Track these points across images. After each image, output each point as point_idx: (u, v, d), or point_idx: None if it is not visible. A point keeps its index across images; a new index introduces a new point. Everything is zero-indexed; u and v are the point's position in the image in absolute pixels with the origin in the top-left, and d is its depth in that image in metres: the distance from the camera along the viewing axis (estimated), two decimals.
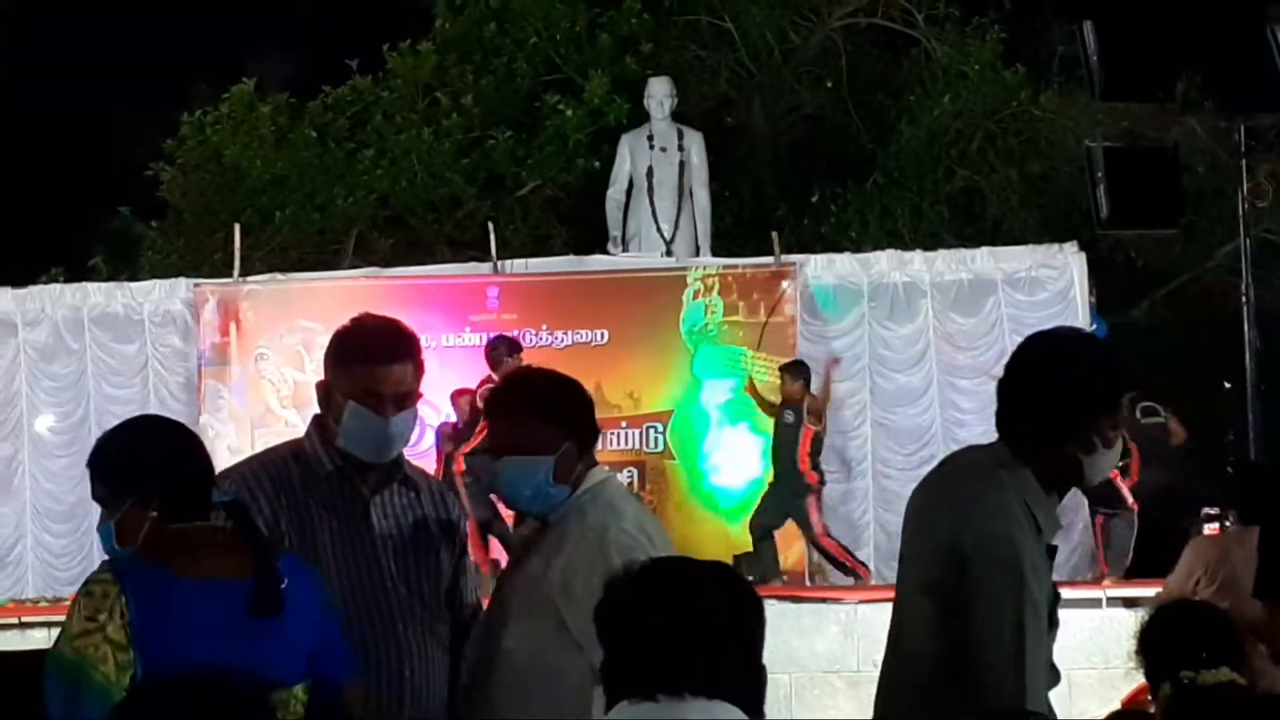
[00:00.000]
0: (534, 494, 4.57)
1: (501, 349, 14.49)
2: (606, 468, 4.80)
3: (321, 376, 4.68)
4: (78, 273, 21.37)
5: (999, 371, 4.27)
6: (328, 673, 4.00)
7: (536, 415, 4.61)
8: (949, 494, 4.20)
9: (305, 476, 4.58)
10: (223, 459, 4.91)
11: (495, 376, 13.93)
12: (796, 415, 14.96)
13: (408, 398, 4.57)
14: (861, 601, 12.70)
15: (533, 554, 4.58)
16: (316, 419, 4.67)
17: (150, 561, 3.95)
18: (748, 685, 3.04)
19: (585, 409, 4.81)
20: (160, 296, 16.62)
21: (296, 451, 4.65)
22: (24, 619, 13.76)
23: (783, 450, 15.01)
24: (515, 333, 15.86)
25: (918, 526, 4.24)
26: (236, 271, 16.64)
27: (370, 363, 4.54)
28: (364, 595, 4.52)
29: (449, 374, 14.92)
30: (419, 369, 4.64)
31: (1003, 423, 4.19)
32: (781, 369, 15.21)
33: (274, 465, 4.63)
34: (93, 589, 3.92)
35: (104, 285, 17.52)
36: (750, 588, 3.17)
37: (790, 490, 14.91)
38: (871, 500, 15.92)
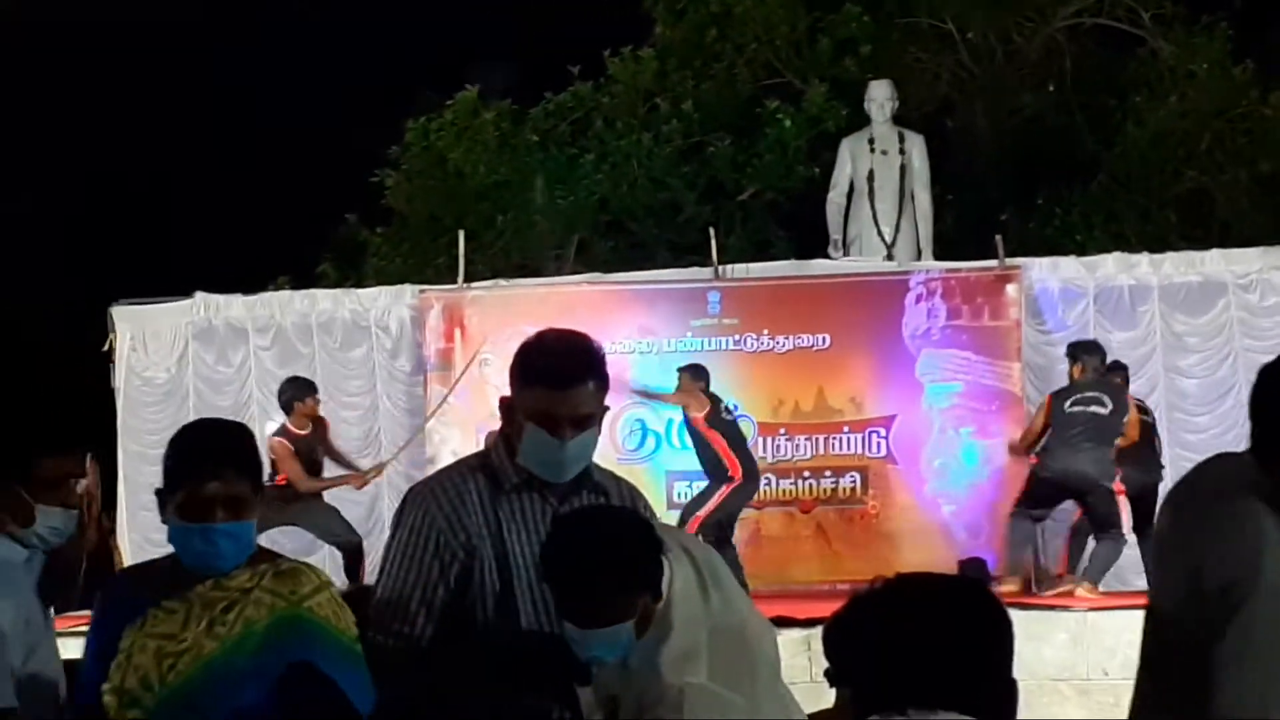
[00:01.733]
0: (618, 656, 4.30)
1: (289, 391, 14.31)
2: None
3: None
4: (305, 280, 21.75)
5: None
6: None
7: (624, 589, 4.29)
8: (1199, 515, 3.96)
9: (493, 488, 4.55)
10: (448, 463, 4.91)
11: (289, 424, 13.89)
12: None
13: (587, 420, 4.49)
14: (1091, 609, 12.52)
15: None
16: (502, 432, 4.64)
17: None
18: (998, 700, 3.01)
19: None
20: (386, 303, 16.82)
21: (484, 463, 4.62)
22: None
23: None
24: (736, 337, 15.86)
25: (1168, 549, 4.07)
26: (461, 278, 16.79)
27: (549, 386, 4.47)
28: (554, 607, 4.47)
29: (670, 377, 14.96)
30: (601, 387, 4.53)
31: (1258, 443, 3.98)
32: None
33: (459, 478, 4.59)
34: None
35: (331, 292, 17.77)
36: (998, 601, 3.14)
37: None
38: None
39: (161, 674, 3.94)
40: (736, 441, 14.59)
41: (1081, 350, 14.27)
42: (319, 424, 14.30)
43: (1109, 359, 14.60)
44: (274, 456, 13.73)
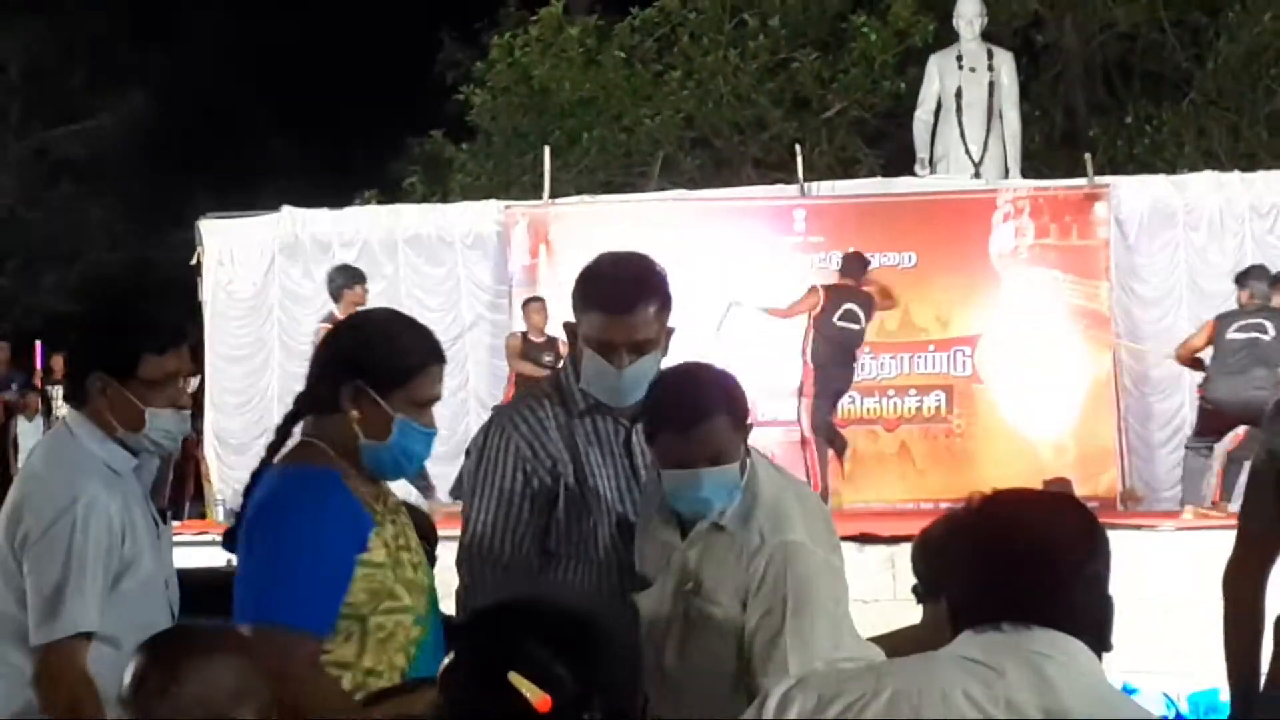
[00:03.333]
0: (727, 501, 4.26)
1: (339, 279, 14.17)
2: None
3: None
4: (391, 195, 21.81)
5: None
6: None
7: (732, 416, 4.24)
8: None
9: (565, 413, 4.54)
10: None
11: (337, 312, 13.58)
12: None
13: (646, 345, 4.44)
14: (1178, 529, 12.46)
15: (707, 565, 4.27)
16: (570, 356, 4.64)
17: None
18: (1094, 617, 2.99)
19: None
20: (471, 218, 16.85)
21: (556, 385, 4.62)
22: None
23: None
24: (822, 255, 15.81)
25: None
26: (546, 194, 16.80)
27: (605, 311, 4.44)
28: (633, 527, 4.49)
29: (758, 294, 14.99)
30: (663, 309, 4.47)
31: None
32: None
33: (535, 404, 4.59)
34: None
35: (417, 207, 17.83)
36: (1095, 519, 3.11)
37: None
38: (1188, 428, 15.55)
39: None
40: None
41: (1250, 276, 14.04)
42: None
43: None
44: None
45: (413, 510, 4.82)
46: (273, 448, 4.04)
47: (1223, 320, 13.65)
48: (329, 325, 13.76)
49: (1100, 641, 3.00)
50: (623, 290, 4.46)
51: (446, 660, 2.99)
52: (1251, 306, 13.64)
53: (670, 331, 4.54)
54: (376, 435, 3.96)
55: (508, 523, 4.48)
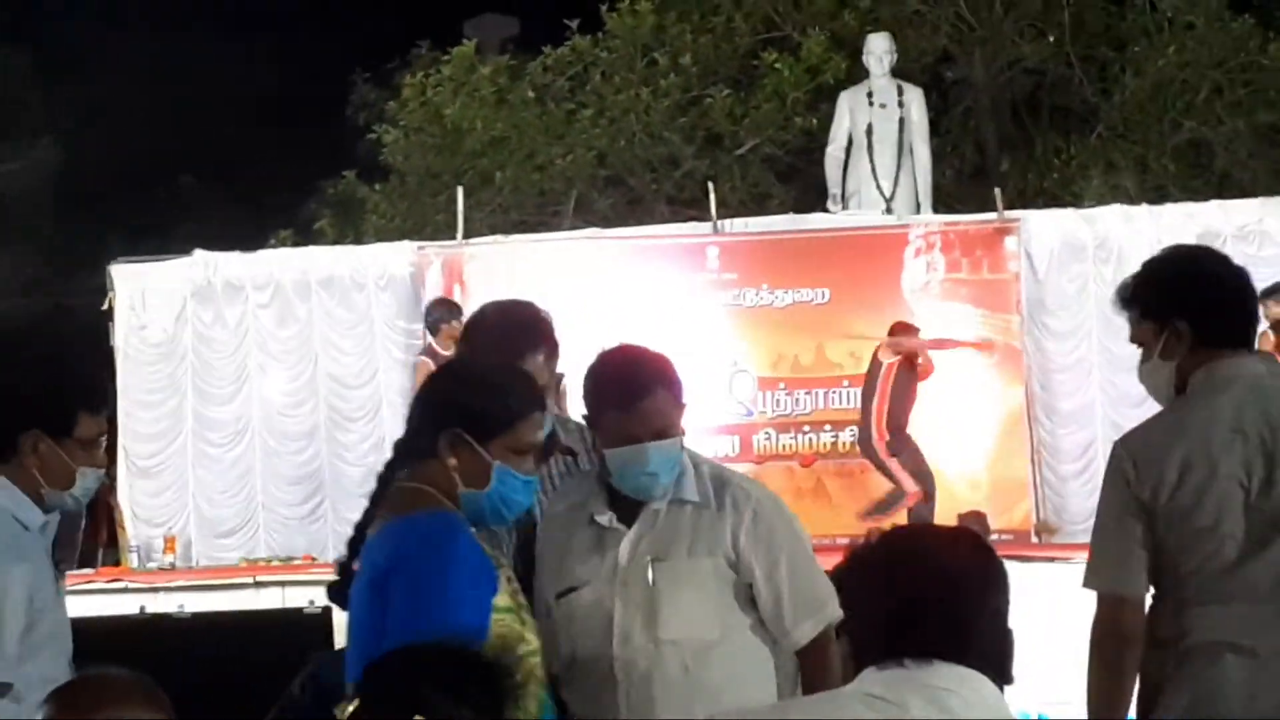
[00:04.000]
0: (671, 476, 4.48)
1: (436, 313, 14.25)
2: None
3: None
4: (304, 237, 21.74)
5: None
6: None
7: (670, 391, 4.49)
8: None
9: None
10: None
11: (435, 344, 13.74)
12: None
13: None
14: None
15: (670, 538, 4.48)
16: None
17: None
18: (996, 651, 3.02)
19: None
20: (385, 259, 16.78)
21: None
22: (258, 578, 14.04)
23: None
24: (735, 292, 15.84)
25: None
26: (460, 234, 16.77)
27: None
28: None
29: (670, 332, 14.98)
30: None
31: None
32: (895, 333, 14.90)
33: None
34: None
35: (330, 249, 17.77)
36: (994, 552, 3.14)
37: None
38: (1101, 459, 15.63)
39: None
40: None
41: (1268, 295, 14.12)
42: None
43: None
44: (419, 377, 13.87)
45: None
46: (376, 498, 4.02)
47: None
48: (427, 359, 13.81)
49: (1002, 674, 3.03)
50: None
51: (351, 708, 2.98)
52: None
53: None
54: (475, 483, 3.96)
55: None
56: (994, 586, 3.05)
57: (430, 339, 14.10)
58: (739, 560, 4.45)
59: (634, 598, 4.42)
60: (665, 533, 4.45)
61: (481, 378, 4.09)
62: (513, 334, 4.55)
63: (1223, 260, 4.85)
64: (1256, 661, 4.28)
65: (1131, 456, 4.41)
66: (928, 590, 2.99)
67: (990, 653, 3.00)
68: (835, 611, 4.18)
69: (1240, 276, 4.69)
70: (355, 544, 3.95)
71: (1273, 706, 4.27)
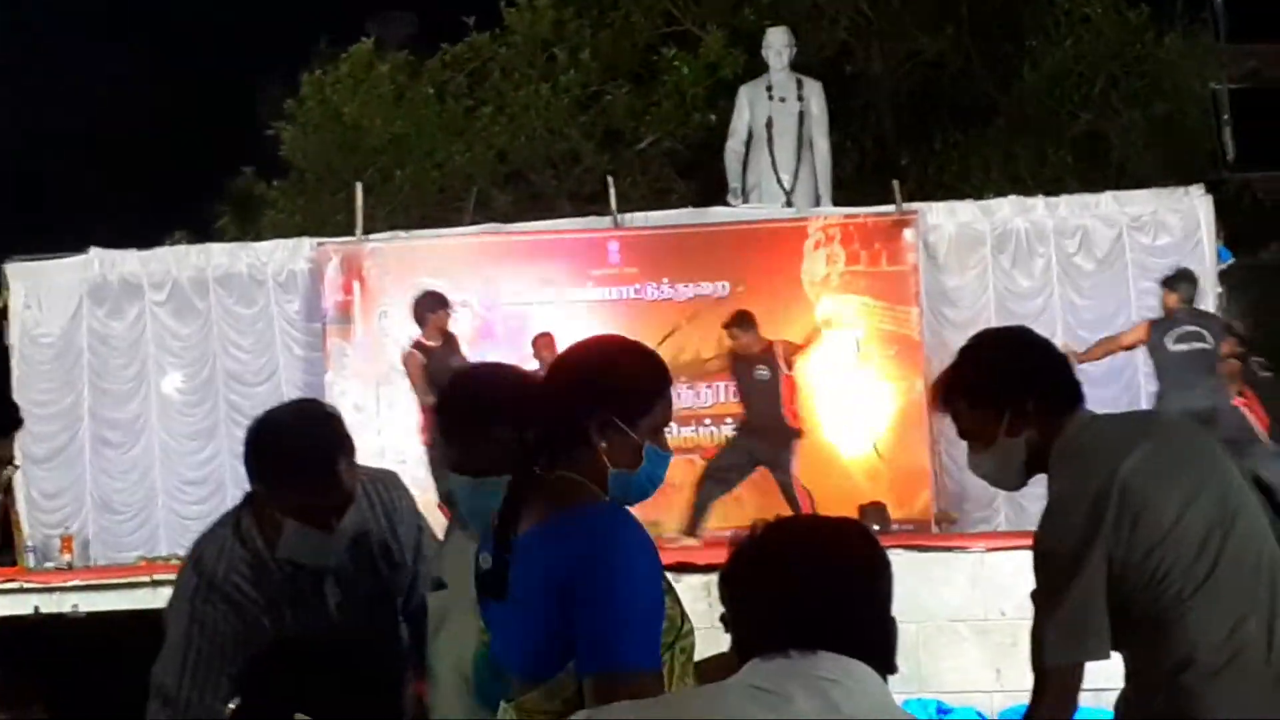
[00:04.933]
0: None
1: (425, 304, 14.30)
2: None
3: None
4: (202, 234, 21.59)
5: None
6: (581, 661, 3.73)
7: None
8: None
9: None
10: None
11: (422, 337, 13.96)
12: (771, 368, 14.82)
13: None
14: (989, 550, 12.60)
15: None
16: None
17: None
18: (878, 639, 3.02)
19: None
20: (284, 256, 16.70)
21: None
22: (155, 577, 13.93)
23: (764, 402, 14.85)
24: (637, 286, 15.86)
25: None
26: (359, 230, 16.70)
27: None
28: None
29: (573, 326, 14.98)
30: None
31: None
32: (729, 325, 14.93)
33: None
34: None
35: (228, 246, 17.62)
36: (876, 541, 3.15)
37: (776, 439, 14.80)
38: None
39: None
40: None
41: (1180, 279, 14.25)
42: (450, 339, 14.20)
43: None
44: (405, 369, 13.76)
45: None
46: (517, 494, 3.90)
47: (1158, 328, 13.85)
48: (416, 351, 13.76)
49: (886, 664, 3.03)
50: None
51: (233, 706, 2.96)
52: (1183, 312, 13.88)
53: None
54: (627, 464, 3.90)
55: None
56: (876, 576, 3.06)
57: (419, 331, 14.13)
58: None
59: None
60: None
61: (620, 359, 4.03)
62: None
63: (1028, 330, 4.90)
64: None
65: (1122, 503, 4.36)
66: (811, 581, 2.98)
67: (874, 643, 3.00)
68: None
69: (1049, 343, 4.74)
70: (503, 540, 3.86)
71: None
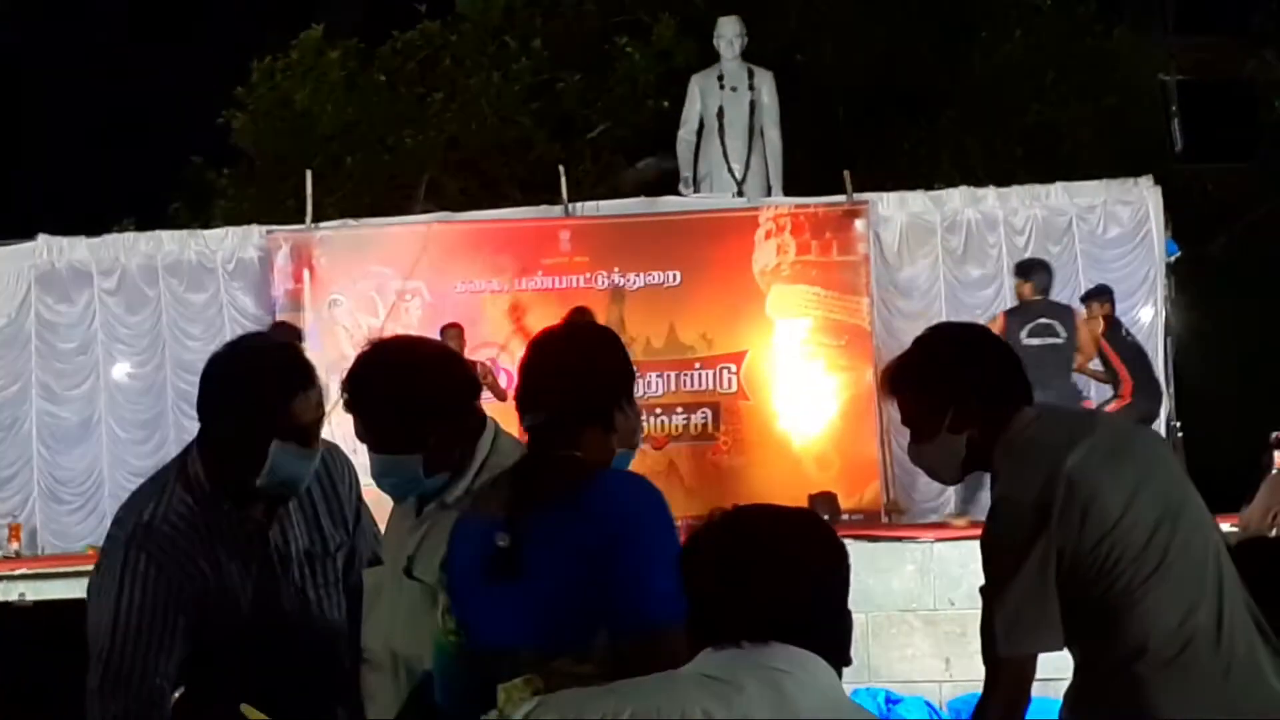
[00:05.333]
0: (410, 489, 4.39)
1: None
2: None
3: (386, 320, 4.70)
4: (151, 221, 21.45)
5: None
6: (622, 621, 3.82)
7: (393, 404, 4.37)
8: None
9: None
10: None
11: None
12: None
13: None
14: (938, 540, 12.65)
15: (426, 543, 4.32)
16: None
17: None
18: (832, 631, 3.03)
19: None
20: (233, 244, 16.64)
21: None
22: None
23: None
24: (587, 275, 15.86)
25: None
26: (309, 218, 16.64)
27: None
28: None
29: (524, 315, 15.01)
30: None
31: None
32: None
33: None
34: None
35: (177, 234, 17.54)
36: (834, 533, 3.15)
37: None
38: None
39: None
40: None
41: (1034, 269, 14.27)
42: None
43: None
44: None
45: None
46: (528, 476, 3.95)
47: (1013, 319, 13.86)
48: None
49: (840, 656, 3.03)
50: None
51: (177, 694, 2.94)
52: (1038, 303, 13.88)
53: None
54: (630, 443, 4.08)
55: None
56: (831, 567, 3.06)
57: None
58: None
59: (383, 611, 4.45)
60: (433, 542, 4.27)
61: (618, 345, 4.14)
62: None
63: (984, 329, 5.14)
64: None
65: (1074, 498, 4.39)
66: (764, 571, 2.99)
67: (826, 634, 3.01)
68: None
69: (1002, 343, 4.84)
70: (519, 520, 3.88)
71: None
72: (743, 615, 2.97)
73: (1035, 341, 13.62)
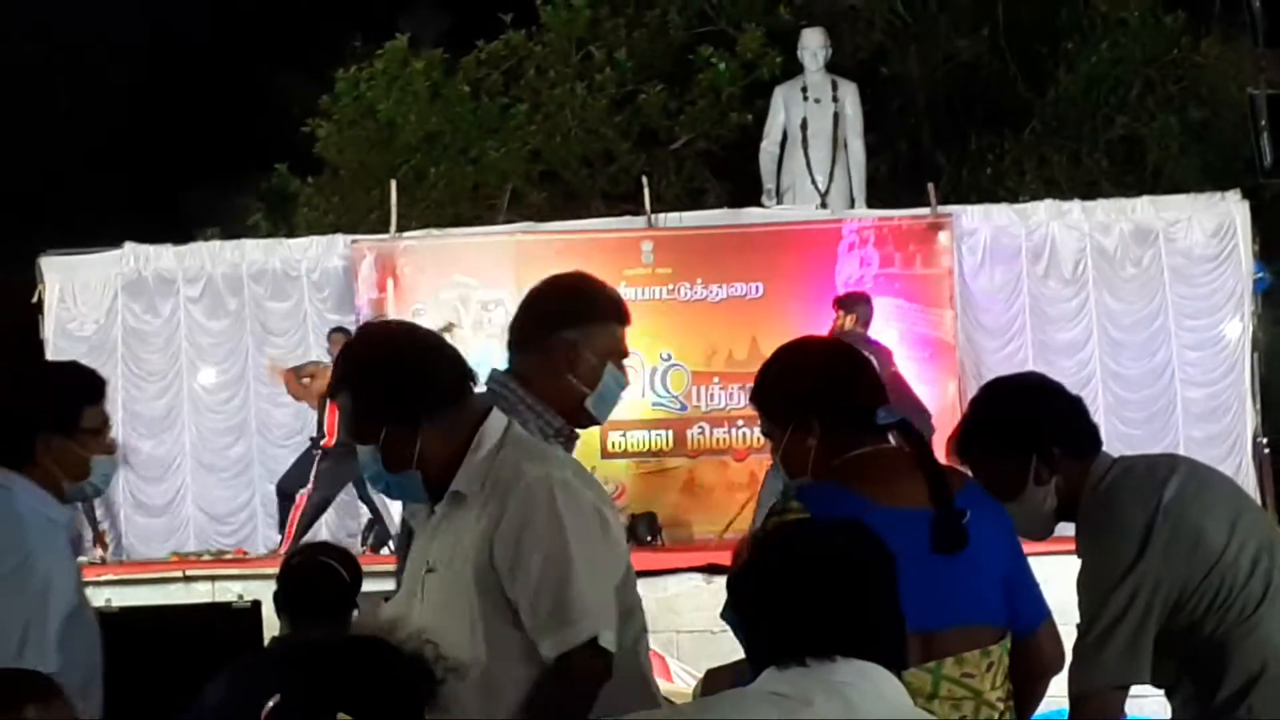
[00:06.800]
0: (381, 483, 4.23)
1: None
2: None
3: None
4: (235, 230, 21.60)
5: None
6: (1018, 615, 3.98)
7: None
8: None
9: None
10: None
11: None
12: None
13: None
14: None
15: (450, 541, 4.10)
16: (540, 385, 4.52)
17: (844, 487, 3.89)
18: (891, 640, 3.02)
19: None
20: (318, 253, 16.73)
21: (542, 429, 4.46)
22: (188, 573, 13.99)
23: None
24: (670, 287, 15.85)
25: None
26: (393, 228, 16.72)
27: (622, 322, 4.67)
28: None
29: None
30: None
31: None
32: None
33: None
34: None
35: (262, 242, 17.66)
36: (880, 539, 3.13)
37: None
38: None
39: None
40: None
41: (856, 301, 14.21)
42: None
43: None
44: None
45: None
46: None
47: None
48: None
49: (899, 662, 3.04)
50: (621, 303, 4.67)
51: (273, 702, 2.91)
52: (855, 337, 13.68)
53: None
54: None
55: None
56: (883, 575, 3.05)
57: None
58: (493, 561, 3.99)
59: (414, 614, 4.05)
60: (446, 536, 4.10)
61: None
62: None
63: (1042, 376, 5.14)
64: None
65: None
66: (821, 587, 2.98)
67: (885, 642, 3.01)
68: (585, 631, 3.89)
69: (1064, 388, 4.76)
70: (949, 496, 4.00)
71: None
72: (802, 633, 2.96)
73: None
